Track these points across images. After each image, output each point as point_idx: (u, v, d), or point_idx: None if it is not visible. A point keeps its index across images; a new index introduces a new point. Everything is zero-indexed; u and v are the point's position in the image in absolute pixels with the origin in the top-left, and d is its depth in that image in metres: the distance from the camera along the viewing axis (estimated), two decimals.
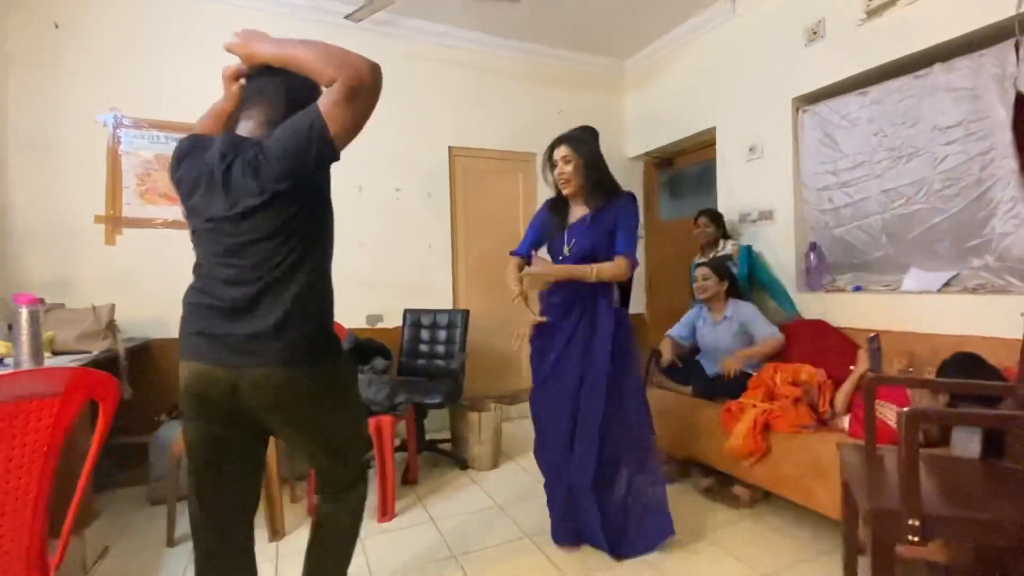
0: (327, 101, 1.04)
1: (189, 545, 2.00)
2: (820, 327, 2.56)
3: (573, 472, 1.88)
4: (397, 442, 2.64)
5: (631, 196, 1.96)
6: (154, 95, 2.81)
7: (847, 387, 2.06)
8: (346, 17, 3.06)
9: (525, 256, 2.06)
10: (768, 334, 2.49)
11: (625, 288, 2.02)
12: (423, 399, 2.59)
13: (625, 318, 1.98)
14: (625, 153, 4.20)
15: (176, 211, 2.86)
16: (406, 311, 3.19)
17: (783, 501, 2.18)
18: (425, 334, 3.14)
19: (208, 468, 1.20)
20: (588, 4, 3.24)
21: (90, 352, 2.09)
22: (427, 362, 3.07)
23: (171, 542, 2.02)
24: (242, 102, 1.22)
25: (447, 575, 1.81)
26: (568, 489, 1.90)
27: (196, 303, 1.15)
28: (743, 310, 2.57)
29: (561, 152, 1.94)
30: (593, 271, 1.84)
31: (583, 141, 1.95)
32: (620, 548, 1.87)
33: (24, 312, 1.63)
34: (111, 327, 2.23)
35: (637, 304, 4.22)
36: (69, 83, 2.68)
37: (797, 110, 2.84)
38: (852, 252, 2.68)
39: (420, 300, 3.37)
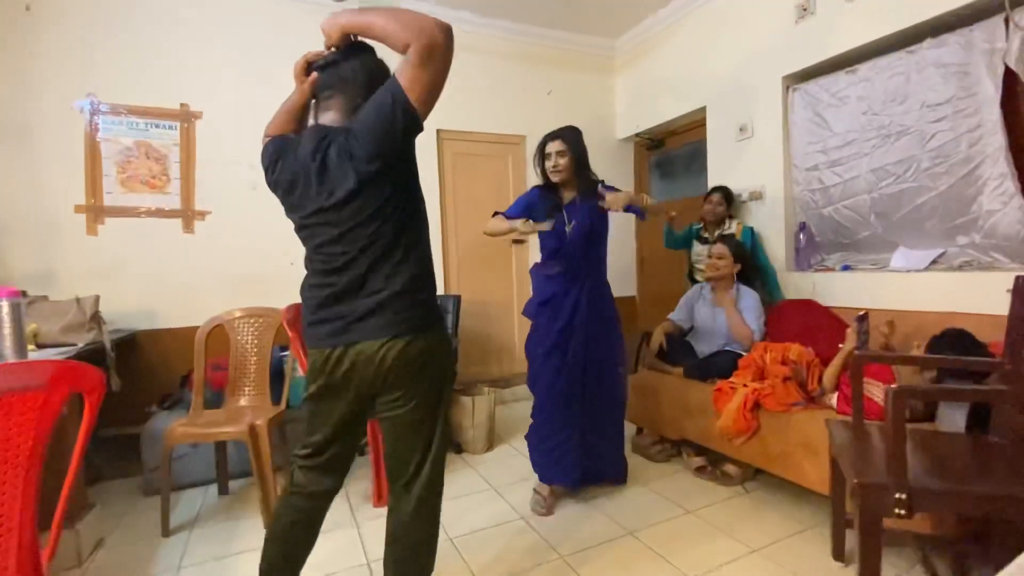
0: (403, 69, 1.05)
1: (184, 535, 2.02)
2: (809, 306, 2.58)
3: (594, 418, 2.19)
4: None
5: (602, 182, 2.27)
6: (132, 80, 2.73)
7: (835, 365, 2.09)
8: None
9: (510, 217, 2.23)
10: (753, 328, 2.50)
11: None
12: None
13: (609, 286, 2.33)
14: (615, 134, 4.17)
15: (160, 199, 2.81)
16: None
17: (773, 478, 2.22)
18: None
19: (320, 444, 1.24)
20: None
21: (75, 345, 2.06)
22: None
23: (166, 532, 2.02)
24: (317, 95, 1.22)
25: (443, 558, 1.82)
26: (582, 437, 2.17)
27: (310, 296, 1.20)
28: (746, 297, 2.57)
29: (556, 146, 2.17)
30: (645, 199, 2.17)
31: (574, 138, 2.20)
32: (623, 474, 2.31)
33: (5, 305, 1.60)
34: (96, 319, 2.20)
35: (628, 287, 4.23)
36: (43, 68, 2.60)
37: (787, 89, 2.83)
38: (841, 231, 2.69)
39: None
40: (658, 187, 4.18)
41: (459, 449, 2.81)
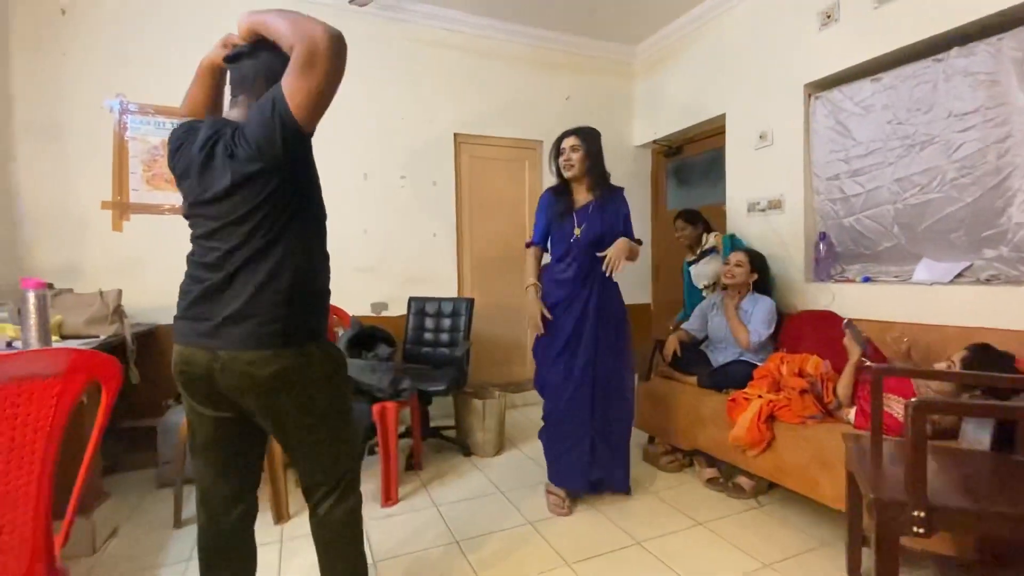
0: (287, 74, 1.03)
1: (194, 527, 2.04)
2: (828, 318, 2.53)
3: (603, 424, 2.17)
4: (402, 429, 2.66)
5: (623, 189, 2.28)
6: (160, 80, 2.81)
7: (846, 375, 2.04)
8: (350, 2, 3.02)
9: (542, 246, 2.29)
10: (751, 329, 2.47)
11: None
12: (427, 386, 2.60)
13: (620, 293, 2.30)
14: (632, 141, 4.15)
15: (180, 197, 2.87)
16: (411, 299, 3.19)
17: (787, 492, 2.17)
18: (430, 322, 3.14)
19: (201, 447, 1.21)
20: None
21: (98, 337, 2.11)
22: (432, 350, 3.07)
23: (178, 523, 2.05)
24: (230, 86, 1.21)
25: (449, 560, 1.82)
26: (592, 442, 2.15)
27: (183, 288, 1.16)
28: (760, 303, 2.54)
29: (570, 141, 2.19)
30: (636, 251, 2.16)
31: (590, 136, 2.21)
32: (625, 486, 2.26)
33: (31, 296, 1.64)
34: (118, 312, 2.25)
35: (643, 295, 4.19)
36: (76, 69, 2.69)
37: (809, 96, 2.78)
38: (862, 242, 2.63)
39: (425, 288, 3.37)
40: (675, 195, 4.14)
41: (468, 452, 2.81)
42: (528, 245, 2.29)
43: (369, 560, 1.79)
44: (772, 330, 2.49)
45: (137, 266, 2.75)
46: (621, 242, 2.08)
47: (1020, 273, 2.08)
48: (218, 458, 1.22)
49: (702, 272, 2.99)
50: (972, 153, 2.14)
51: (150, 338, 2.68)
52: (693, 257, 3.13)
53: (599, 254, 2.10)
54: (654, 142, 4.02)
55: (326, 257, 1.24)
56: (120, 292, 2.27)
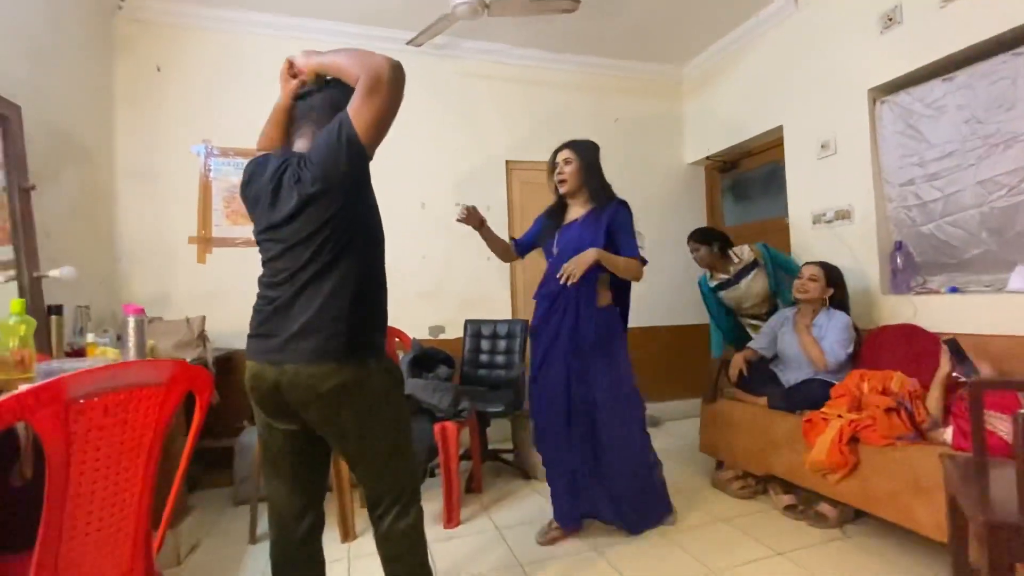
0: (353, 100, 1.13)
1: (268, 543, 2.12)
2: (911, 332, 2.35)
3: (575, 456, 2.02)
4: (461, 451, 2.67)
5: (624, 202, 2.09)
6: (240, 125, 3.07)
7: (936, 390, 1.88)
8: (408, 43, 3.22)
9: (519, 244, 2.26)
10: (825, 349, 2.32)
11: (622, 288, 2.16)
12: (485, 407, 2.61)
13: (614, 317, 2.11)
14: (684, 159, 4.11)
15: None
16: (467, 321, 3.25)
17: (876, 521, 2.00)
18: (486, 344, 3.17)
19: (271, 460, 1.28)
20: (641, 13, 3.24)
21: (184, 360, 2.27)
22: (488, 372, 3.09)
23: (253, 539, 2.13)
24: (295, 121, 1.31)
25: None
26: (572, 473, 2.03)
27: (255, 308, 1.25)
28: (835, 320, 2.39)
29: (563, 155, 2.10)
30: (620, 263, 1.97)
31: (584, 147, 2.11)
32: (634, 526, 2.06)
33: (131, 321, 1.80)
34: (202, 337, 2.43)
35: (703, 315, 4.05)
36: (168, 119, 2.99)
37: (874, 101, 2.67)
38: (945, 250, 2.46)
39: (480, 311, 3.42)
40: (732, 211, 4.04)
41: (528, 475, 2.78)
42: (512, 238, 2.30)
43: None
44: (851, 349, 2.34)
45: (218, 295, 2.96)
46: (588, 252, 1.88)
47: None
48: (287, 472, 1.28)
49: (749, 292, 2.78)
50: None
51: (228, 362, 2.86)
52: (717, 281, 2.87)
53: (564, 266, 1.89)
54: (707, 158, 3.96)
55: (384, 276, 1.30)
56: (204, 319, 2.46)
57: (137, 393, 0.97)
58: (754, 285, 2.77)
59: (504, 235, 3.61)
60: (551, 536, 2.05)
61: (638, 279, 2.04)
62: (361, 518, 2.27)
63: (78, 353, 2.02)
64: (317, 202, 1.14)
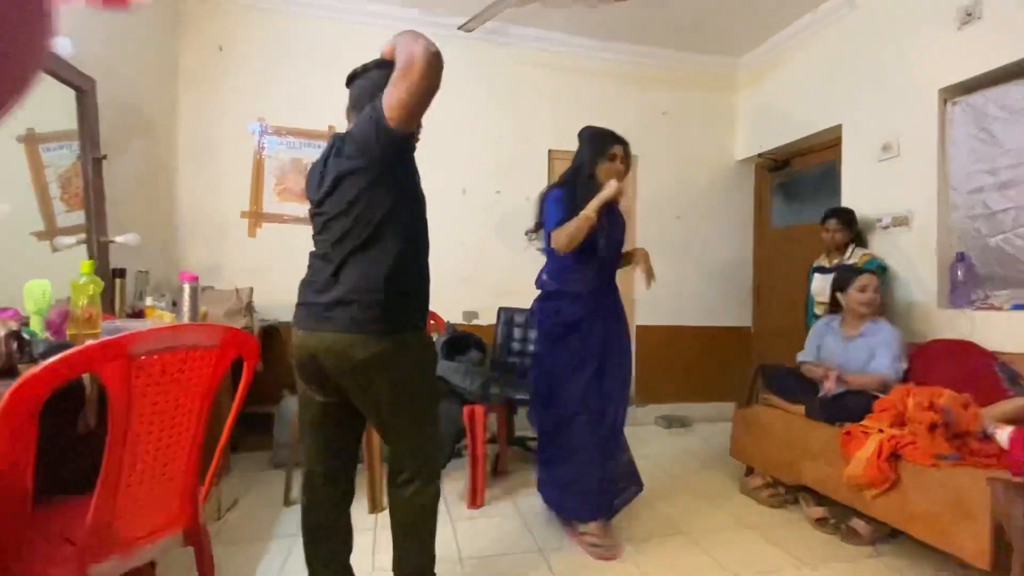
0: (389, 83, 1.16)
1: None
2: (966, 348, 2.23)
3: (616, 449, 2.04)
4: (488, 435, 2.71)
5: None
6: (293, 106, 3.18)
7: (1006, 407, 1.77)
8: (459, 28, 3.23)
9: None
10: (882, 367, 2.23)
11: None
12: (514, 394, 2.64)
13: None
14: (734, 156, 3.98)
15: (304, 208, 3.20)
16: (500, 309, 3.27)
17: (913, 542, 1.92)
18: (518, 332, 3.19)
19: (309, 427, 1.36)
20: (697, 3, 3.14)
21: (234, 326, 2.40)
22: (519, 360, 3.12)
23: (287, 502, 2.24)
24: (350, 101, 1.37)
25: (531, 567, 1.82)
26: (604, 463, 2.00)
27: (303, 280, 1.32)
28: (885, 332, 2.29)
29: (623, 151, 2.04)
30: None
31: (630, 153, 2.09)
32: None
33: (187, 288, 1.91)
34: (249, 307, 2.55)
35: (744, 317, 3.95)
36: (227, 97, 3.12)
37: (945, 102, 2.51)
38: (1012, 264, 2.30)
39: (515, 299, 3.43)
40: (780, 211, 3.89)
41: None
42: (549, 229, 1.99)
43: (456, 556, 1.85)
44: (905, 364, 2.24)
45: (265, 268, 3.09)
46: (643, 250, 2.04)
47: None
48: (321, 439, 1.35)
49: (825, 286, 2.66)
50: None
51: (273, 333, 2.99)
52: (829, 264, 2.76)
53: (634, 265, 2.04)
54: (759, 156, 3.82)
55: (425, 253, 1.34)
56: (252, 290, 2.57)
57: (192, 354, 1.04)
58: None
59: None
60: (611, 541, 1.92)
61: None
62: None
63: (137, 315, 2.16)
64: (351, 176, 1.20)
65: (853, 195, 2.98)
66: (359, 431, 1.42)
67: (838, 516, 2.14)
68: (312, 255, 1.31)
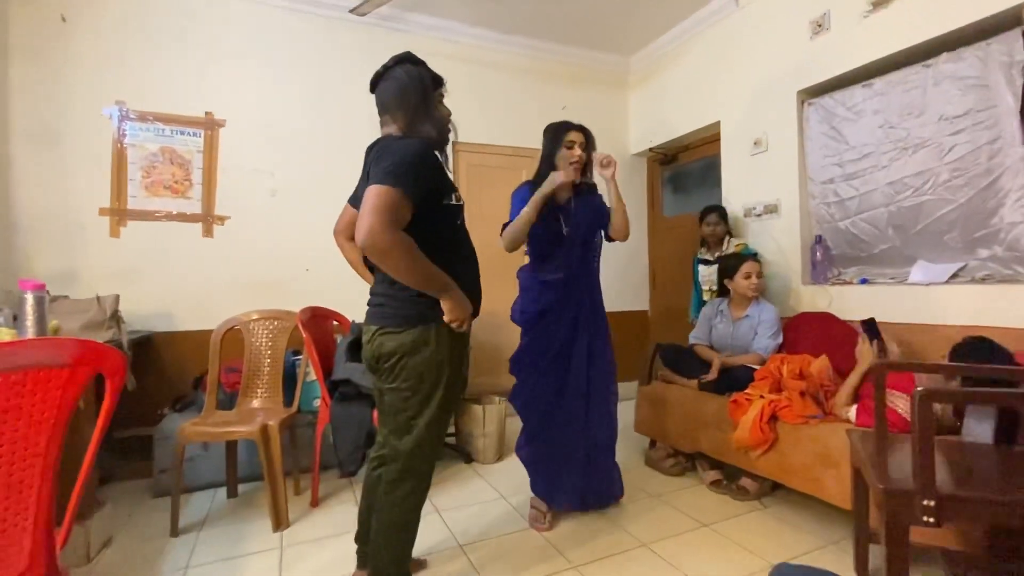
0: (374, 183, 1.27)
1: (193, 535, 2.01)
2: (826, 319, 2.55)
3: (596, 433, 2.08)
4: None
5: (597, 188, 2.20)
6: (161, 89, 2.81)
7: (852, 382, 2.04)
8: (351, 11, 3.06)
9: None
10: (759, 348, 2.50)
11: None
12: None
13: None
14: (628, 149, 4.20)
15: (181, 204, 2.87)
16: None
17: (792, 494, 2.16)
18: None
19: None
20: (590, 1, 3.25)
21: (92, 340, 2.08)
22: None
23: (175, 532, 2.00)
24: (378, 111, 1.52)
25: (452, 565, 1.79)
26: (587, 456, 2.07)
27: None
28: (765, 312, 2.56)
29: (579, 137, 2.06)
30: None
31: (592, 139, 2.12)
32: (597, 501, 2.15)
33: (30, 297, 1.63)
34: (115, 318, 2.23)
35: (640, 301, 4.20)
36: (75, 76, 2.69)
37: (802, 103, 2.84)
38: (858, 245, 2.67)
39: None
40: (671, 201, 4.18)
41: (469, 458, 2.78)
42: (503, 229, 2.08)
43: None
44: (780, 339, 2.51)
45: (134, 272, 2.72)
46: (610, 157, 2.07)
47: (1014, 272, 2.11)
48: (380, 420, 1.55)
49: (711, 275, 2.96)
50: (964, 155, 2.18)
51: (147, 345, 2.65)
52: (711, 256, 3.04)
53: (599, 166, 2.04)
54: (650, 150, 4.07)
55: (453, 250, 1.44)
56: (117, 297, 2.25)
57: (35, 375, 0.88)
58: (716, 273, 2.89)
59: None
60: (551, 519, 2.04)
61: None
62: (294, 506, 2.20)
63: None
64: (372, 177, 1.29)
65: (731, 186, 3.28)
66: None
67: (729, 477, 2.36)
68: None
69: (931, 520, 1.15)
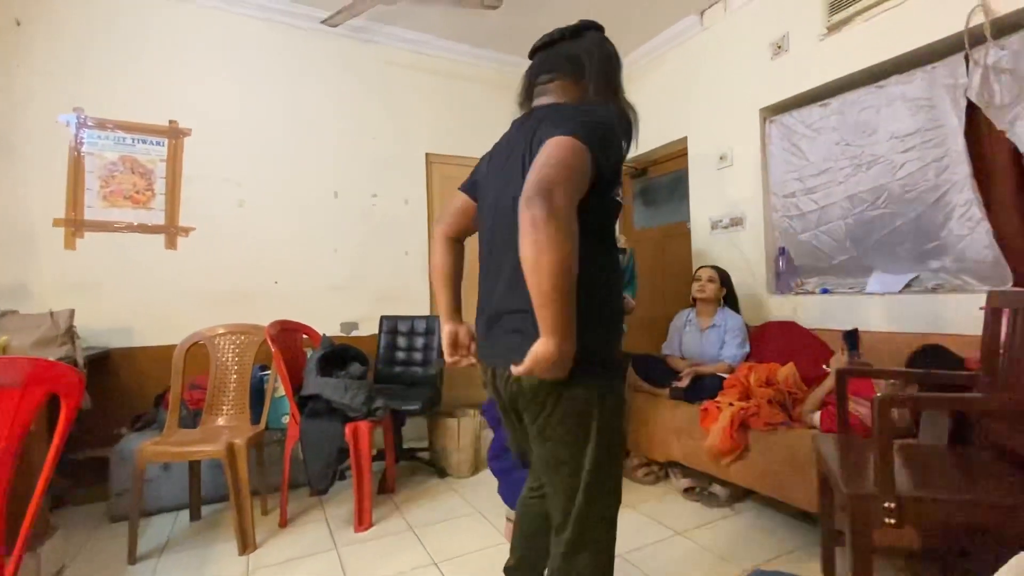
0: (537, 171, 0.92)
1: (153, 561, 1.92)
2: (791, 328, 2.64)
3: None
4: (374, 452, 2.58)
5: None
6: (121, 96, 2.73)
7: (819, 395, 2.11)
8: (322, 22, 3.04)
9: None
10: (727, 356, 2.57)
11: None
12: (401, 405, 2.54)
13: None
14: None
15: (143, 214, 2.77)
16: (383, 318, 3.15)
17: (762, 500, 2.21)
18: (402, 341, 3.09)
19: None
20: (561, 17, 3.31)
21: (45, 358, 1.98)
22: (404, 369, 3.02)
23: (132, 559, 1.90)
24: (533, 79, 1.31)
25: None
26: None
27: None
28: (731, 321, 2.63)
29: None
30: None
31: None
32: None
33: None
34: (70, 333, 2.12)
35: None
36: (30, 81, 2.58)
37: (764, 120, 2.95)
38: (819, 256, 2.77)
39: (397, 307, 3.33)
40: (641, 215, 4.27)
41: (443, 473, 2.75)
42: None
43: None
44: (747, 348, 2.58)
45: (91, 286, 2.61)
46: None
47: (962, 282, 2.23)
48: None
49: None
50: (914, 172, 2.30)
51: (104, 362, 2.54)
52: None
53: None
54: None
55: (611, 275, 1.11)
56: (72, 312, 2.15)
57: None
58: None
59: (423, 230, 3.54)
60: None
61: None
62: (261, 527, 2.13)
63: None
64: None
65: (698, 199, 3.38)
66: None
67: (702, 484, 2.40)
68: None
69: (892, 521, 1.20)
